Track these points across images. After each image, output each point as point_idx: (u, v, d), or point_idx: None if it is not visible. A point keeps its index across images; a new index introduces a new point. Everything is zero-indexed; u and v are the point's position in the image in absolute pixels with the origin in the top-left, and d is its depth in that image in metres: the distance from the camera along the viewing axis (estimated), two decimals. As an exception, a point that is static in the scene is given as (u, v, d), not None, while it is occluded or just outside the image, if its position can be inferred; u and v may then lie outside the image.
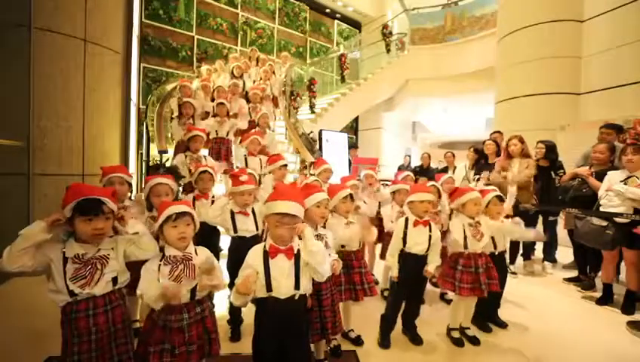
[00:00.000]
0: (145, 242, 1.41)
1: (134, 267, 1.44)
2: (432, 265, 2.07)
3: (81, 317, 1.27)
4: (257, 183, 2.63)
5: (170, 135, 4.73)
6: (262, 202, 2.38)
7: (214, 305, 1.50)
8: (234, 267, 2.12)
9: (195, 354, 1.32)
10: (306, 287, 1.41)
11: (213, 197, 2.52)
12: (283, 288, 1.35)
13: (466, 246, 2.12)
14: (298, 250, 1.40)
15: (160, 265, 1.34)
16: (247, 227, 2.16)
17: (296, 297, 1.38)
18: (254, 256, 1.40)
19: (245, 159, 3.55)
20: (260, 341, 1.39)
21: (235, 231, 2.15)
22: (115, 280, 1.36)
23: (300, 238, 1.41)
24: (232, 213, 2.14)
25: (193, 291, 1.34)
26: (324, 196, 1.71)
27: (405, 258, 2.09)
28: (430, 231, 2.07)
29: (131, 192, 2.24)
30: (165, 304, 1.29)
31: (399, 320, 2.20)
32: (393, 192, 2.81)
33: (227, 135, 4.32)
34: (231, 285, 2.39)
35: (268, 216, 1.41)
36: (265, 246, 1.39)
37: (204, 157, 3.46)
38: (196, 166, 2.86)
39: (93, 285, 1.30)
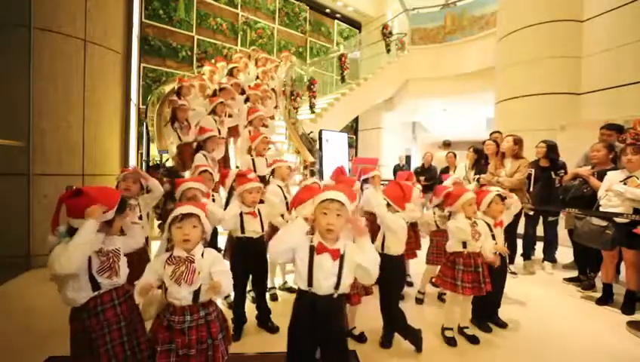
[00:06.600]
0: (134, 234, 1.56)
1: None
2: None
3: (108, 308, 1.33)
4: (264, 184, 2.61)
5: (170, 141, 4.33)
6: (267, 204, 2.38)
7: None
8: (239, 267, 2.13)
9: (194, 359, 1.29)
10: (346, 288, 1.39)
11: (213, 196, 2.53)
12: (323, 286, 1.34)
13: (464, 246, 2.13)
14: (343, 253, 1.36)
15: (165, 264, 1.33)
16: (254, 228, 2.20)
17: (335, 296, 1.36)
18: (301, 242, 1.37)
19: (253, 161, 3.46)
20: (295, 332, 1.41)
21: (243, 231, 2.17)
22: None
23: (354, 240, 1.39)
24: (241, 214, 2.16)
25: (196, 293, 1.32)
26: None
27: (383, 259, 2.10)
28: None
29: (142, 193, 2.28)
30: (146, 300, 1.35)
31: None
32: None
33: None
34: (235, 285, 2.39)
35: (315, 210, 1.38)
36: (312, 241, 1.36)
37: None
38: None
39: (117, 275, 1.36)
